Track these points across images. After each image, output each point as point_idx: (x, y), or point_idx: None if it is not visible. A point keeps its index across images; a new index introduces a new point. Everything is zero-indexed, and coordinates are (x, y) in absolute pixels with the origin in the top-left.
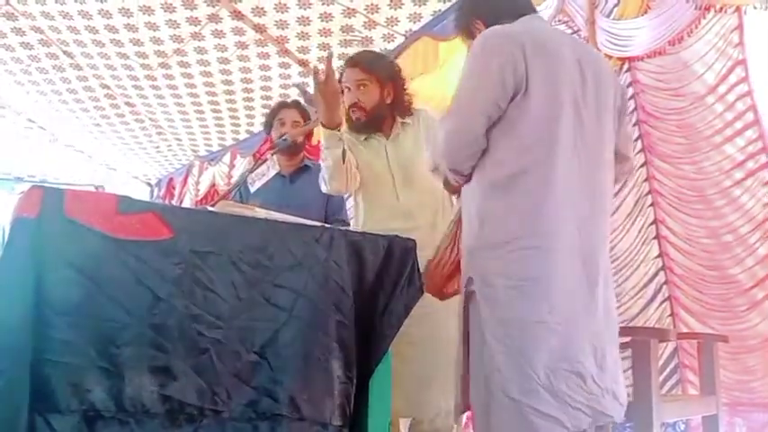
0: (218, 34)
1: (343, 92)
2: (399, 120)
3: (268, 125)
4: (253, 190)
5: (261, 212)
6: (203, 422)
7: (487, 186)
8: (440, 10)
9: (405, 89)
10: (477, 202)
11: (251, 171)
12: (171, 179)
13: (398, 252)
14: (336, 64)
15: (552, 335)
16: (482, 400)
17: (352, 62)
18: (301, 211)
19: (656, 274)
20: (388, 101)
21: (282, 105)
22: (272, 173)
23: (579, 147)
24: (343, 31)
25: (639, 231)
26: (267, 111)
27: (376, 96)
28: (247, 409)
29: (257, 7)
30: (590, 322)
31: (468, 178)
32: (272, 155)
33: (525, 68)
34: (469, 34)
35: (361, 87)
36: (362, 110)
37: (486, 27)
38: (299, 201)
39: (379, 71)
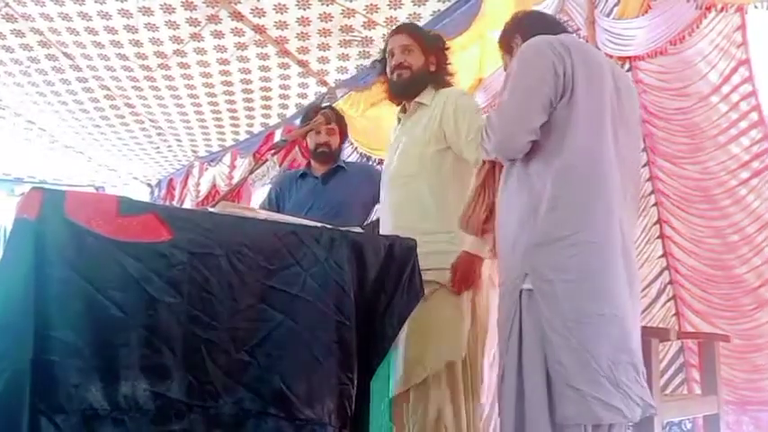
0: (218, 35)
1: (385, 61)
2: (415, 100)
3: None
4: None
5: (261, 213)
6: (192, 417)
7: (538, 183)
8: (439, 10)
9: (448, 63)
10: (526, 199)
11: (251, 172)
12: (171, 180)
13: (400, 252)
14: (337, 64)
15: (613, 327)
16: (539, 395)
17: (398, 29)
18: (335, 210)
19: (660, 274)
20: (432, 69)
21: (319, 111)
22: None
23: (617, 151)
24: (343, 32)
25: (643, 231)
26: (266, 111)
27: (421, 61)
28: (235, 406)
29: (256, 8)
30: (634, 317)
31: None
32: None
33: (572, 70)
34: (509, 49)
35: (406, 51)
36: (408, 69)
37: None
38: (333, 200)
39: (425, 39)
